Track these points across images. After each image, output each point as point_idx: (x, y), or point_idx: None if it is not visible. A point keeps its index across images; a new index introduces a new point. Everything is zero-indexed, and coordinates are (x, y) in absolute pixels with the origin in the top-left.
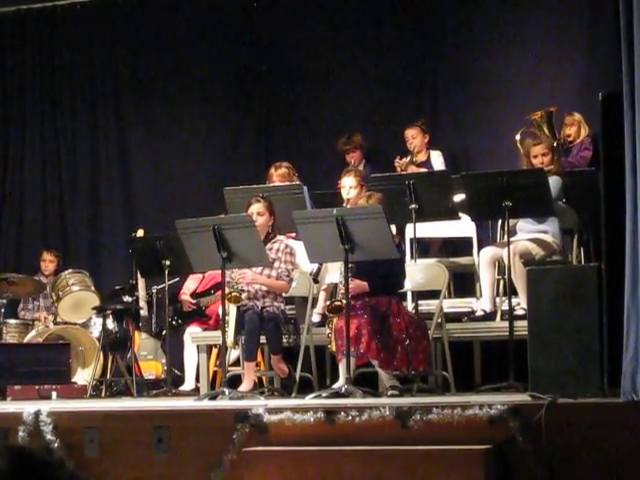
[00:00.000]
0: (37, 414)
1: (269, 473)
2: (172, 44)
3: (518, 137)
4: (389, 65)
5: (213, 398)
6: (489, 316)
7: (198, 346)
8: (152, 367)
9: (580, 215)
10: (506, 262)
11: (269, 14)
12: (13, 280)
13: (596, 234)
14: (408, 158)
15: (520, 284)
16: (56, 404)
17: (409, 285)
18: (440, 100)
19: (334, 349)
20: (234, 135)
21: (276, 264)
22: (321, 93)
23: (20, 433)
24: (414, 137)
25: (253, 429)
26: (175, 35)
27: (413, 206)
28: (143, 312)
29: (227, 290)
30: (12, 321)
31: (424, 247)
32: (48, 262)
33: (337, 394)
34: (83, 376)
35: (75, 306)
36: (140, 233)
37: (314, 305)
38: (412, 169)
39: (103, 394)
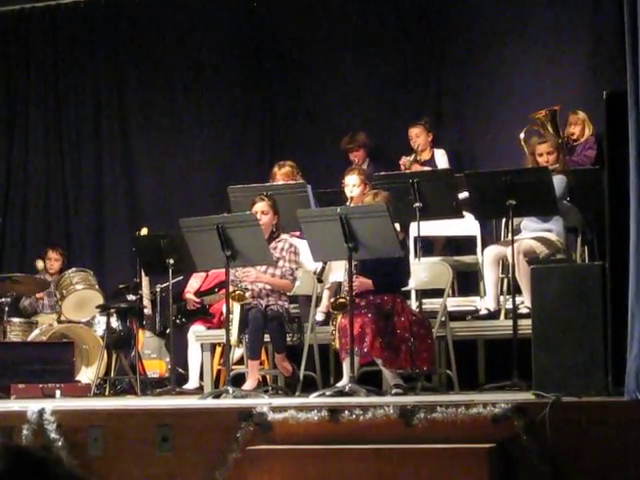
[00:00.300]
0: (41, 413)
1: (273, 471)
2: (176, 44)
3: (522, 136)
4: (393, 64)
5: (217, 397)
6: (493, 315)
7: (202, 345)
8: (156, 366)
9: (584, 214)
10: (510, 261)
11: (272, 13)
12: (17, 279)
13: (600, 233)
14: (412, 157)
15: (524, 283)
16: (60, 403)
17: (413, 284)
18: (444, 99)
19: (337, 346)
20: (238, 134)
21: (280, 263)
22: (325, 92)
23: (24, 432)
24: (418, 136)
25: (257, 427)
26: (179, 35)
27: (417, 205)
28: (147, 311)
29: (231, 289)
30: (16, 320)
31: (428, 246)
32: (53, 260)
33: (341, 393)
34: (87, 375)
35: (79, 305)
36: (144, 232)
37: (318, 304)
38: (416, 168)
39: (107, 393)
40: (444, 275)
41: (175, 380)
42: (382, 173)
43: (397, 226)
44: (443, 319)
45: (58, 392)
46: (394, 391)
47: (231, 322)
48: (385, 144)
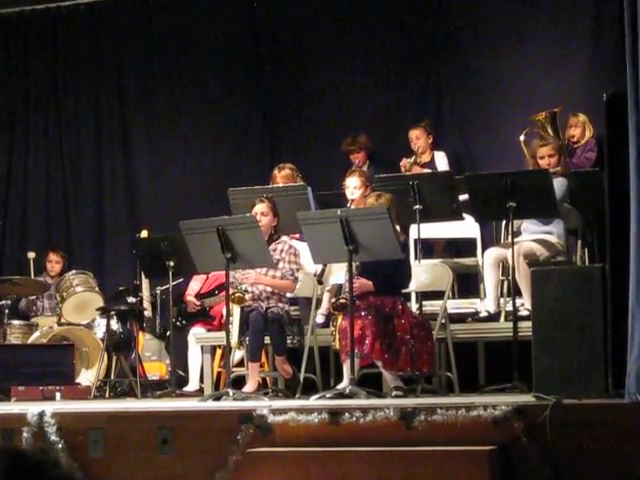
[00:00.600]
0: (41, 415)
1: (273, 474)
2: (176, 45)
3: (522, 138)
4: (394, 66)
5: (217, 399)
6: (493, 317)
7: (202, 347)
8: (156, 368)
9: (584, 216)
10: (510, 263)
11: (273, 15)
12: (17, 281)
13: (600, 235)
14: (412, 159)
15: (524, 285)
16: (60, 405)
17: (413, 286)
18: (444, 101)
19: (338, 347)
20: (238, 136)
21: (280, 265)
22: (326, 94)
23: (24, 434)
24: (418, 138)
25: (257, 430)
26: (179, 36)
27: (417, 207)
28: (147, 313)
29: (231, 291)
30: (16, 322)
31: (428, 248)
32: (54, 263)
33: (341, 395)
34: (87, 377)
35: (79, 307)
36: (144, 234)
37: (318, 306)
38: (416, 170)
39: (107, 395)
40: (444, 277)
41: (175, 382)
42: (382, 175)
43: (397, 228)
44: (443, 321)
45: (58, 394)
46: (394, 393)
47: (231, 324)
48: (385, 146)
